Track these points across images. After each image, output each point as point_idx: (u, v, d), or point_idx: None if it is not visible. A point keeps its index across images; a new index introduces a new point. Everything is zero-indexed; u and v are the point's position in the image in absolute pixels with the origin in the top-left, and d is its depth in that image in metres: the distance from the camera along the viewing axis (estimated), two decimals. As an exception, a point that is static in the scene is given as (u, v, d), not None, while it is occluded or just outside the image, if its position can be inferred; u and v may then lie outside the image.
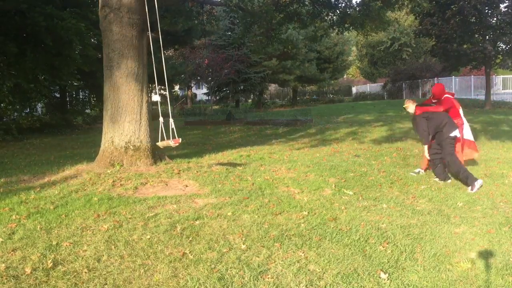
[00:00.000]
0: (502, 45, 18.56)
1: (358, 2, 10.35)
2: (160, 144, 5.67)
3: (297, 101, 34.37)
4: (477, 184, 5.39)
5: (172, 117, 5.64)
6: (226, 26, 26.89)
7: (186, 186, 5.53)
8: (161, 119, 5.61)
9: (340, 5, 10.47)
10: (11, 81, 12.04)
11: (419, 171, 6.44)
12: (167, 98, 9.49)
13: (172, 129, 5.45)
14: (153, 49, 5.65)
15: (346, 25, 10.25)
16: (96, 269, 3.08)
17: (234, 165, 6.84)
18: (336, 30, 10.79)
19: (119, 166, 6.39)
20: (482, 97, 20.70)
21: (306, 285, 2.85)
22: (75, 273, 3.00)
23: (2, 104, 13.12)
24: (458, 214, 4.39)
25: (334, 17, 10.61)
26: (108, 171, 6.14)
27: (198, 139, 11.77)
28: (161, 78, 6.09)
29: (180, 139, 5.44)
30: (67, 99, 18.93)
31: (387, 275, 2.98)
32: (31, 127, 14.70)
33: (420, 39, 27.89)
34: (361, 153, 8.28)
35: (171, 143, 5.42)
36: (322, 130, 12.97)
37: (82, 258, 3.25)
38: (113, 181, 5.61)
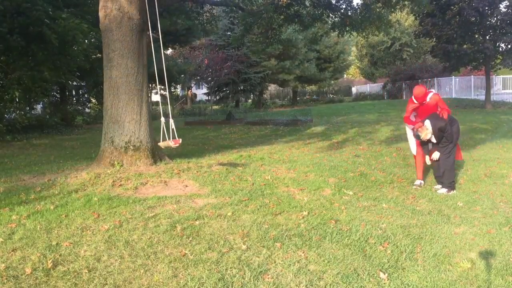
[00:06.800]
0: (502, 45, 18.58)
1: (359, 4, 10.32)
2: (161, 144, 5.69)
3: (297, 101, 34.39)
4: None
5: (172, 118, 5.65)
6: (226, 26, 26.89)
7: (186, 186, 5.53)
8: (162, 119, 5.63)
9: (340, 6, 10.44)
10: (14, 79, 12.03)
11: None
12: (167, 98, 9.50)
13: (173, 129, 5.45)
14: (153, 48, 5.65)
15: (347, 29, 10.20)
16: (96, 269, 3.08)
17: (234, 165, 6.84)
18: (337, 32, 10.77)
19: (119, 166, 6.39)
20: (482, 97, 20.71)
21: (306, 285, 2.85)
22: (75, 273, 3.00)
23: (3, 102, 13.11)
24: (458, 214, 4.39)
25: (336, 19, 10.57)
26: (108, 171, 6.14)
27: (198, 139, 11.76)
28: (162, 78, 6.10)
29: (180, 139, 5.47)
30: (67, 99, 18.92)
31: (386, 275, 2.99)
32: (31, 125, 14.71)
33: (421, 39, 27.91)
34: (361, 153, 8.28)
35: (171, 143, 5.44)
36: (322, 130, 12.97)
37: (82, 258, 3.25)
38: (113, 181, 5.61)
